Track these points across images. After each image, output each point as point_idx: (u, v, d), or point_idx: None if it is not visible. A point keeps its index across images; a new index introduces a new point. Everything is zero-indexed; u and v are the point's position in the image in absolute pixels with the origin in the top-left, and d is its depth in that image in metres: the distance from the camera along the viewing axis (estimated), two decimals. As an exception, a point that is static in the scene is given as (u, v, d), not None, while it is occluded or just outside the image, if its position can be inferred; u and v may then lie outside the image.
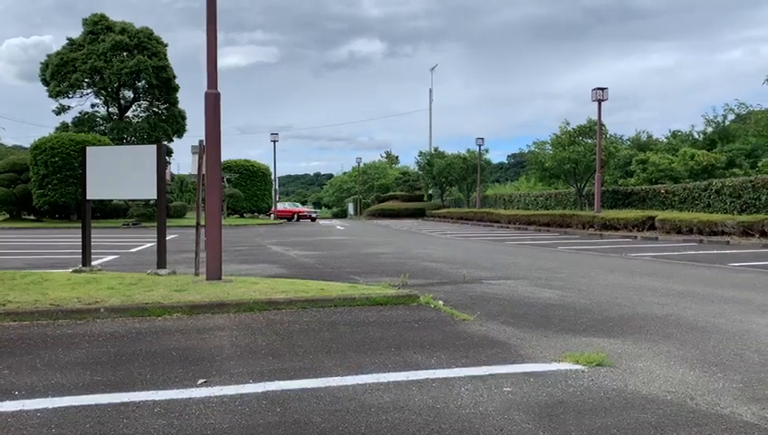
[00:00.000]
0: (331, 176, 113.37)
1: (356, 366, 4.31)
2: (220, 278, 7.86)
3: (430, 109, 65.03)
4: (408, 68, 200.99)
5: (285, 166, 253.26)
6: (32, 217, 36.72)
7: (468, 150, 48.05)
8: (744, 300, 7.40)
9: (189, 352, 4.72)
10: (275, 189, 47.42)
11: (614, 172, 39.37)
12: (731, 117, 44.91)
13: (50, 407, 3.49)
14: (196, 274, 8.32)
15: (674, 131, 49.93)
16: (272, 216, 45.64)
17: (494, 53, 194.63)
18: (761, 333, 5.48)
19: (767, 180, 21.23)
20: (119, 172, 8.90)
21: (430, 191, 58.46)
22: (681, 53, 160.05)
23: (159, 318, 5.97)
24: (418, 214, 50.69)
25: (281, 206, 49.11)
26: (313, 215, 47.29)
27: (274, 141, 45.86)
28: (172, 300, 6.41)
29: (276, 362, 4.44)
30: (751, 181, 22.08)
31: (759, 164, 33.81)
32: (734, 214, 21.05)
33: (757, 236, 17.92)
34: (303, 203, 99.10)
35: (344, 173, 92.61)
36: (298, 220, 45.07)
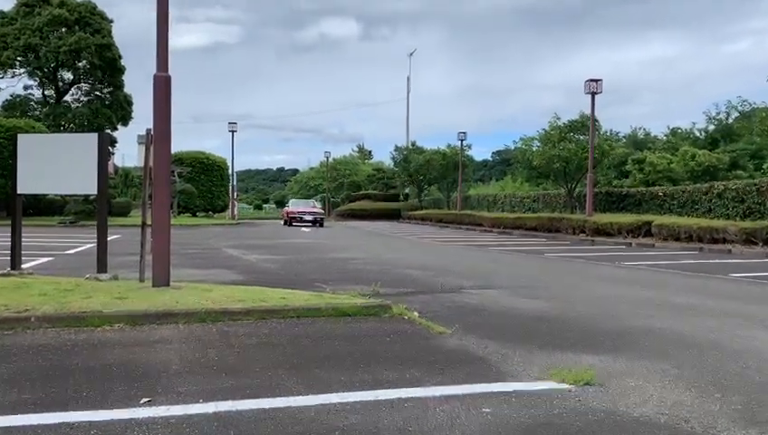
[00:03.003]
0: (296, 171, 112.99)
1: (320, 384, 4.31)
2: (168, 284, 7.78)
3: (408, 99, 65.48)
4: (385, 53, 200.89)
5: (245, 159, 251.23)
6: (-47, 213, 35.91)
7: (449, 146, 48.24)
8: (745, 314, 7.56)
9: (132, 367, 4.67)
10: (233, 186, 47.11)
11: (608, 172, 39.92)
12: (734, 114, 45.90)
13: (-30, 429, 3.43)
14: (142, 279, 8.23)
15: (673, 129, 50.94)
16: (230, 217, 45.19)
17: (478, 39, 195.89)
18: (763, 351, 5.61)
19: (772, 184, 21.70)
20: (55, 164, 8.77)
21: (407, 190, 58.56)
22: (683, 43, 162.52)
23: (98, 329, 5.89)
24: (393, 215, 50.78)
25: (292, 206, 40.03)
26: (307, 217, 36.95)
27: (233, 131, 45.59)
28: (113, 308, 6.33)
29: (230, 379, 4.42)
30: (755, 184, 22.56)
31: (764, 166, 34.59)
32: (736, 220, 21.47)
33: (761, 244, 18.32)
34: (266, 201, 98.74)
35: (311, 168, 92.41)
36: (290, 225, 36.13)
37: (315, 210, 38.60)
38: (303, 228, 32.97)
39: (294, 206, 40.31)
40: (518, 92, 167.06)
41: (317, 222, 36.57)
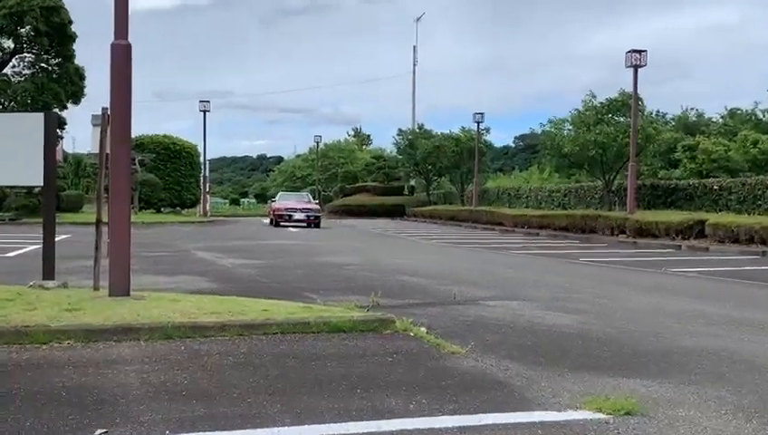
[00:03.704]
0: (280, 159, 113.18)
1: (309, 413, 4.31)
2: (128, 294, 7.78)
3: (414, 73, 65.21)
4: (387, 17, 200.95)
5: (219, 145, 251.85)
6: None
7: (463, 129, 48.30)
8: (816, 331, 7.57)
9: (85, 391, 4.68)
10: (205, 176, 47.14)
11: (653, 161, 39.92)
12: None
13: None
14: (96, 287, 8.24)
15: (732, 110, 50.85)
16: (201, 213, 45.20)
17: (499, 2, 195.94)
18: (837, 374, 5.61)
19: None
20: (-8, 149, 8.76)
21: (412, 182, 58.57)
22: (746, 6, 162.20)
23: (45, 346, 5.89)
24: (396, 211, 50.83)
25: (280, 201, 37.27)
26: (298, 215, 34.50)
27: (205, 111, 45.61)
28: (62, 322, 6.33)
29: (202, 406, 4.42)
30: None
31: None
32: (806, 218, 21.47)
33: (836, 247, 18.31)
34: (244, 195, 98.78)
35: (298, 156, 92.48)
36: (277, 225, 34.24)
37: (308, 206, 36.34)
38: (292, 228, 32.23)
39: (283, 201, 37.92)
40: (546, 66, 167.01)
41: (311, 222, 34.40)
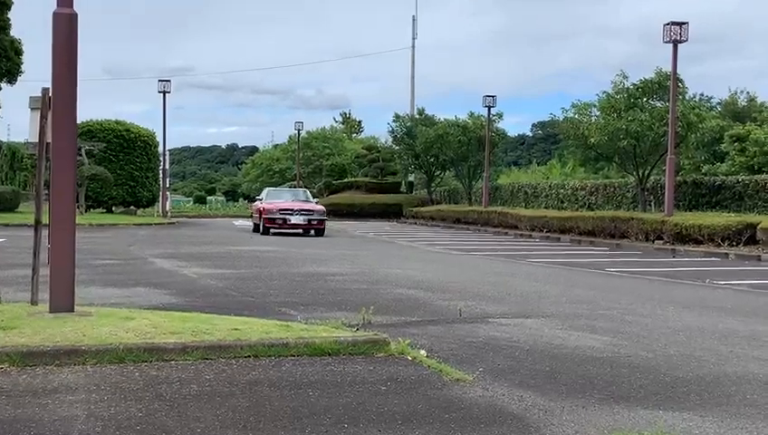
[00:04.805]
0: (254, 150, 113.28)
1: (286, 452, 4.31)
2: (72, 310, 7.76)
3: (413, 48, 65.21)
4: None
5: (182, 132, 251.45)
6: None
7: (472, 115, 48.32)
8: None
9: (20, 425, 4.66)
10: (165, 169, 47.02)
11: (696, 154, 39.96)
12: None
13: None
14: (35, 302, 8.22)
15: (788, 93, 50.95)
16: (160, 213, 45.16)
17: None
18: None
19: None
20: None
21: (411, 178, 58.58)
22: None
23: (-27, 372, 5.88)
24: (392, 212, 50.88)
25: (270, 200, 32.27)
26: (295, 219, 30.18)
27: (165, 92, 45.51)
28: (-6, 343, 6.31)
29: (159, 443, 4.41)
30: None
31: None
32: None
33: None
34: (211, 192, 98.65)
35: (276, 146, 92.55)
36: (267, 232, 30.00)
37: (309, 207, 31.53)
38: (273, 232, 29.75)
39: (274, 199, 32.59)
40: (570, 40, 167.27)
41: (314, 227, 30.59)
